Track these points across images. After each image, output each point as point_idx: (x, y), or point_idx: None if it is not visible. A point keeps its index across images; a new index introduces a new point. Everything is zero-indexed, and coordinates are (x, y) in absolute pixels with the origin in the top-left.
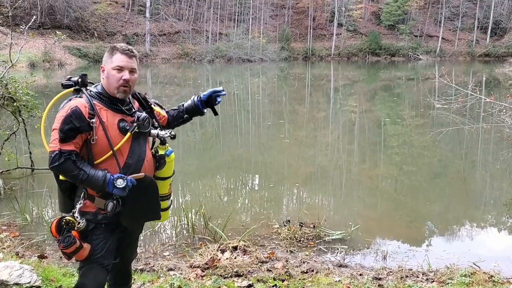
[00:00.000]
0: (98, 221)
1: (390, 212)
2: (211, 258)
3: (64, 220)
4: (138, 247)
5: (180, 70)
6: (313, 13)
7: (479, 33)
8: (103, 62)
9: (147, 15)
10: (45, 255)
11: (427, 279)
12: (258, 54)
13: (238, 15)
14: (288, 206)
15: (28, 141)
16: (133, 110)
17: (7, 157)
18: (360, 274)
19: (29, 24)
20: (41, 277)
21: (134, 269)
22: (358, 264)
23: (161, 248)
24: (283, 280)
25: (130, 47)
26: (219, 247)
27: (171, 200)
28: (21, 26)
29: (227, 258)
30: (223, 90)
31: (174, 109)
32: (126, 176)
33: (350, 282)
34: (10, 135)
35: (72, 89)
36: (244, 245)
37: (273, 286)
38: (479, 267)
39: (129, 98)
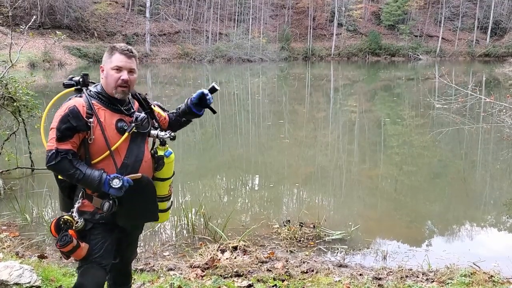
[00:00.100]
0: (96, 220)
1: (390, 212)
2: (211, 258)
3: (62, 220)
4: (138, 247)
5: (180, 70)
6: (313, 13)
7: (479, 33)
8: (102, 62)
9: (147, 15)
10: (45, 255)
11: (427, 279)
12: (258, 54)
13: (238, 15)
14: (288, 206)
15: (28, 141)
16: (132, 110)
17: (7, 157)
18: (360, 274)
19: (29, 24)
20: (41, 277)
21: (134, 269)
22: (358, 264)
23: (161, 248)
24: (283, 280)
25: (129, 47)
26: (219, 247)
27: (172, 201)
28: (21, 26)
29: (227, 258)
30: (214, 88)
31: (173, 113)
32: (122, 176)
33: (350, 282)
34: (10, 135)
35: (73, 88)
36: (244, 245)
37: (273, 286)
38: (479, 267)
39: (129, 98)
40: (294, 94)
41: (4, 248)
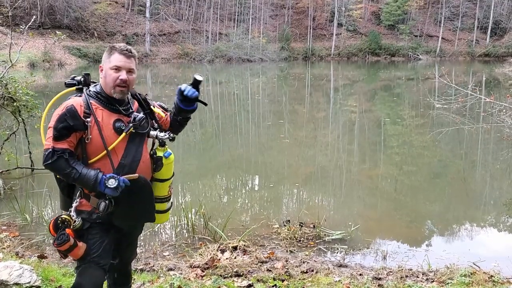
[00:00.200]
0: (93, 220)
1: (390, 212)
2: (211, 258)
3: (60, 219)
4: (138, 247)
5: (180, 70)
6: (313, 13)
7: (479, 33)
8: (102, 62)
9: (147, 15)
10: (45, 255)
11: (427, 279)
12: (258, 54)
13: (238, 15)
14: (288, 206)
15: (28, 141)
16: (131, 110)
17: (7, 157)
18: (360, 274)
19: (29, 24)
20: (41, 277)
21: (134, 269)
22: (358, 264)
23: (161, 248)
24: (283, 280)
25: (129, 47)
26: (219, 247)
27: (172, 203)
28: (21, 26)
29: (227, 258)
30: (196, 80)
31: (171, 113)
32: (118, 176)
33: (350, 282)
34: (10, 135)
35: (74, 88)
36: (244, 245)
37: (273, 286)
38: (479, 267)
39: (128, 99)
40: (294, 94)
41: (4, 248)
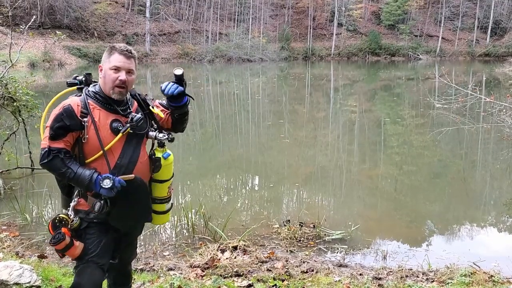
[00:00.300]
0: (90, 219)
1: (390, 212)
2: (211, 258)
3: (57, 218)
4: (138, 247)
5: None
6: (313, 13)
7: (479, 33)
8: (101, 62)
9: (147, 15)
10: (45, 255)
11: (427, 279)
12: (258, 54)
13: (238, 15)
14: (288, 206)
15: (28, 141)
16: (129, 111)
17: (7, 157)
18: (360, 274)
19: (29, 24)
20: (41, 277)
21: (134, 269)
22: (358, 264)
23: (161, 248)
24: (283, 280)
25: (129, 47)
26: (219, 247)
27: (172, 204)
28: (21, 26)
29: (227, 258)
30: (175, 75)
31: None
32: (113, 177)
33: (350, 282)
34: (10, 135)
35: (75, 87)
36: (244, 245)
37: (273, 286)
38: (479, 267)
39: (127, 99)
40: (294, 94)
41: (4, 248)
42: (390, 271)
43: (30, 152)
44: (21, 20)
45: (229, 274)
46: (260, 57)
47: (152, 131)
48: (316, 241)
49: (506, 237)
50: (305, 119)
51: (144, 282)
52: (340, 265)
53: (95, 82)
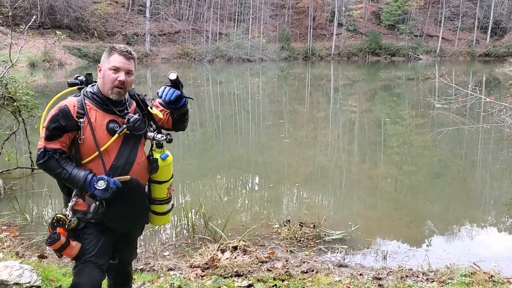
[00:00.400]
0: (87, 220)
1: (390, 212)
2: (211, 258)
3: (55, 218)
4: (138, 247)
5: (180, 70)
6: (313, 13)
7: (479, 33)
8: (101, 62)
9: (147, 15)
10: (45, 255)
11: (427, 279)
12: (258, 54)
13: (238, 15)
14: (288, 206)
15: (28, 141)
16: (127, 111)
17: (7, 157)
18: (360, 274)
19: (29, 24)
20: (41, 277)
21: (134, 269)
22: (358, 264)
23: (161, 248)
24: (283, 280)
25: (129, 48)
26: (219, 247)
27: (172, 205)
28: (21, 26)
29: (227, 258)
30: (170, 79)
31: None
32: (108, 178)
33: (350, 282)
34: (10, 135)
35: (75, 87)
36: (244, 245)
37: (273, 286)
38: (479, 267)
39: (125, 99)
40: (294, 94)
41: (4, 248)
42: (390, 271)
43: (30, 152)
44: (21, 20)
45: (229, 274)
46: (260, 57)
47: (151, 131)
48: (316, 241)
49: (506, 237)
50: (305, 119)
51: (144, 282)
52: (340, 265)
53: (95, 81)
